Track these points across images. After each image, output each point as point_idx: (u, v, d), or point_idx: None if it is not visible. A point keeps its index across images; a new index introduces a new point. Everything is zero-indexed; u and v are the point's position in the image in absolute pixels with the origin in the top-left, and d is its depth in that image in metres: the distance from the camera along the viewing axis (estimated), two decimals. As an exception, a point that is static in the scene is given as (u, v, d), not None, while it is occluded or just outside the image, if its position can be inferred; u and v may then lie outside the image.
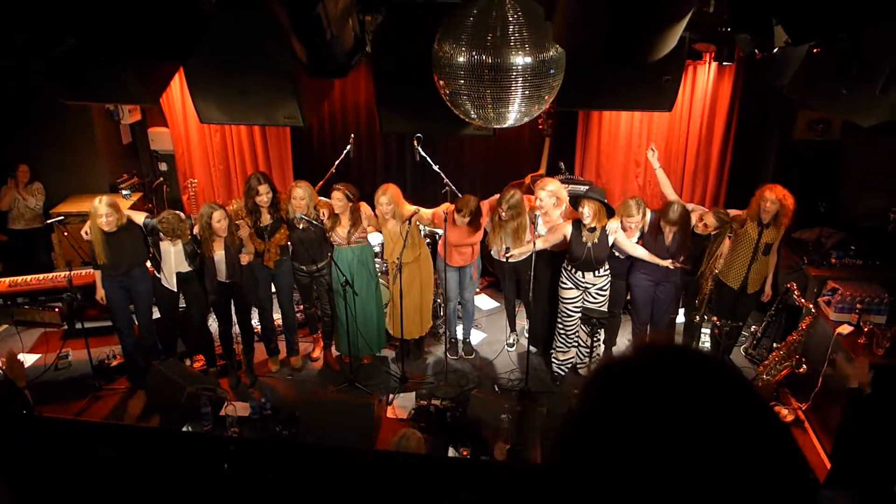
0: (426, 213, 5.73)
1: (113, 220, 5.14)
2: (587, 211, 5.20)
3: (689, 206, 5.56)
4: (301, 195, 5.46)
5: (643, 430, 0.68)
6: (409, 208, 5.64)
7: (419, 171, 7.32)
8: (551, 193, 5.48)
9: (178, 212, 5.42)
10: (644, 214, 5.38)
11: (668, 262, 5.31)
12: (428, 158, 6.10)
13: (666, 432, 0.67)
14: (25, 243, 7.14)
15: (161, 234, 5.31)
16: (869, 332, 4.94)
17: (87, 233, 5.29)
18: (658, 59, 2.51)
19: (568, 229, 5.38)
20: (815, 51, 3.67)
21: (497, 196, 5.59)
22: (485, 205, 5.68)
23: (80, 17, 1.84)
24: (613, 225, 5.34)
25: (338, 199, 5.49)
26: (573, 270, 5.49)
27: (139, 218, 5.43)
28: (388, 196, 5.53)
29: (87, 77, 4.05)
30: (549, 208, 5.52)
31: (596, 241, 5.28)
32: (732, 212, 5.62)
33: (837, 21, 1.60)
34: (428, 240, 6.25)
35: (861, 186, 6.32)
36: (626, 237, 5.39)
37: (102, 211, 5.10)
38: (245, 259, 5.42)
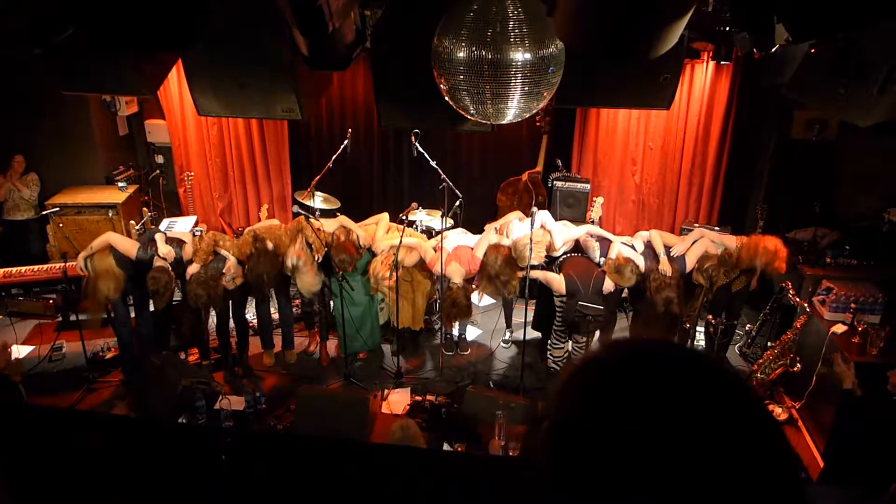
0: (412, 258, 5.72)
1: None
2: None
3: (681, 248, 5.44)
4: (297, 248, 5.48)
5: (624, 432, 0.67)
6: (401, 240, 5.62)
7: (416, 167, 7.33)
8: (538, 246, 5.48)
9: (167, 267, 5.33)
10: (638, 272, 5.35)
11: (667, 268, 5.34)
12: (425, 154, 6.10)
13: (646, 433, 0.66)
14: (20, 234, 7.11)
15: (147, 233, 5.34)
16: (863, 331, 4.96)
17: (82, 270, 5.30)
18: (657, 57, 2.52)
19: (562, 288, 5.41)
20: (812, 51, 3.69)
21: (479, 244, 5.61)
22: (473, 262, 5.58)
23: (81, 5, 1.83)
24: (609, 286, 5.36)
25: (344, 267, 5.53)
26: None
27: (131, 249, 5.38)
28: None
29: (85, 67, 4.03)
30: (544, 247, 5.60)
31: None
32: (721, 238, 5.53)
33: (839, 19, 1.60)
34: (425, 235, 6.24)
35: (856, 187, 6.35)
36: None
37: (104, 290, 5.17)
38: (231, 286, 5.48)
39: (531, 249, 5.26)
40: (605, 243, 5.57)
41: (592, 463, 0.68)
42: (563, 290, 5.39)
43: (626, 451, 0.66)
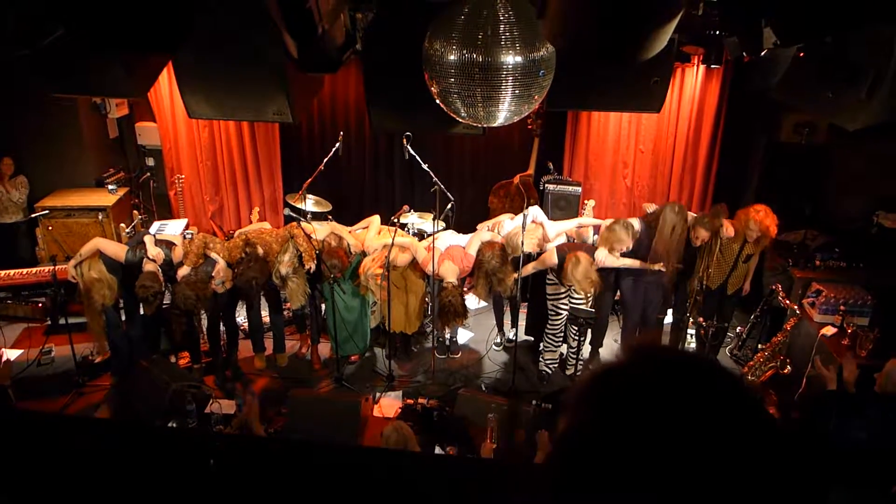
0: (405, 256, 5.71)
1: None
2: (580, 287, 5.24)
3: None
4: (287, 260, 5.48)
5: (647, 441, 0.68)
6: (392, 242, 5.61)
7: (408, 170, 7.33)
8: (531, 237, 5.47)
9: (156, 273, 5.31)
10: (634, 235, 5.36)
11: (659, 266, 5.32)
12: (417, 157, 6.10)
13: (671, 442, 0.67)
14: (9, 237, 7.05)
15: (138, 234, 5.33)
16: (852, 333, 5.01)
17: (73, 278, 5.28)
18: (647, 60, 2.52)
19: (554, 259, 5.40)
20: (800, 54, 3.71)
21: (471, 242, 5.64)
22: (466, 260, 5.61)
23: (70, 6, 1.82)
24: (601, 255, 5.35)
25: (336, 272, 5.52)
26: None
27: (119, 252, 5.37)
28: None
29: (74, 69, 4.00)
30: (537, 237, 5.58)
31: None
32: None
33: (826, 22, 1.61)
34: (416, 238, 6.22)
35: (845, 189, 6.40)
36: (610, 258, 5.38)
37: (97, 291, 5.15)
38: (221, 289, 5.45)
39: (523, 236, 5.26)
40: (597, 229, 5.60)
41: (612, 469, 0.69)
42: (555, 260, 5.37)
43: (645, 460, 0.67)
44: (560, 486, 0.73)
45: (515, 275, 5.46)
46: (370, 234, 5.89)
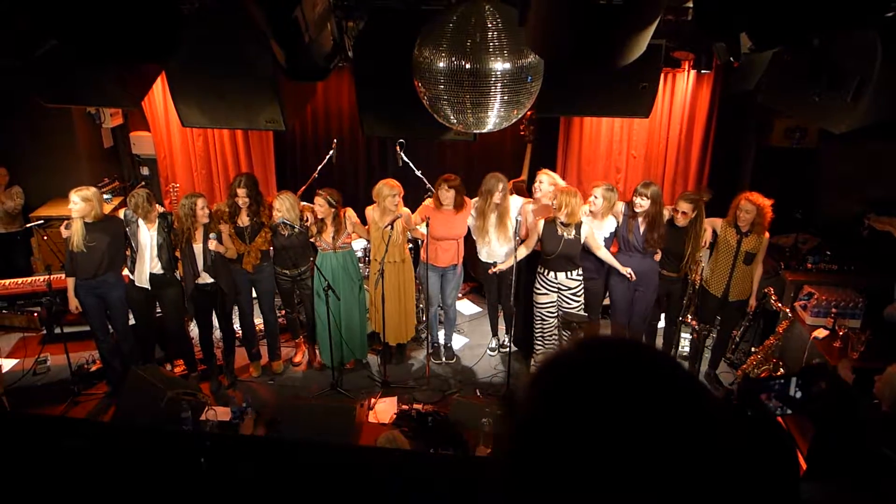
0: (407, 213, 5.77)
1: (80, 210, 5.12)
2: (563, 210, 5.23)
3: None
4: (283, 206, 5.48)
5: (595, 431, 0.68)
6: (403, 210, 5.72)
7: (402, 177, 7.34)
8: (554, 190, 5.58)
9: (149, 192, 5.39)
10: (613, 201, 5.42)
11: (627, 272, 5.39)
12: (410, 164, 6.14)
13: (617, 431, 0.67)
14: (4, 247, 7.06)
15: (133, 214, 5.32)
16: (844, 335, 5.03)
17: (67, 226, 5.23)
18: (633, 66, 2.55)
19: (540, 227, 5.44)
20: (786, 58, 3.74)
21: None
22: (468, 202, 5.79)
23: (61, 18, 1.85)
24: (584, 212, 5.41)
25: (319, 204, 5.51)
26: (546, 272, 5.52)
27: (121, 213, 5.49)
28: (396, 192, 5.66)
29: (68, 79, 4.04)
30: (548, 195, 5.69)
31: (571, 235, 5.32)
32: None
33: (801, 26, 1.64)
34: (410, 245, 6.24)
35: (837, 193, 6.43)
36: (594, 234, 5.43)
37: (72, 199, 5.11)
38: (213, 245, 5.37)
39: (516, 242, 5.44)
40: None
41: (551, 463, 0.70)
42: (542, 228, 5.45)
43: (581, 452, 0.68)
44: (512, 487, 0.74)
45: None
46: (375, 216, 5.81)
